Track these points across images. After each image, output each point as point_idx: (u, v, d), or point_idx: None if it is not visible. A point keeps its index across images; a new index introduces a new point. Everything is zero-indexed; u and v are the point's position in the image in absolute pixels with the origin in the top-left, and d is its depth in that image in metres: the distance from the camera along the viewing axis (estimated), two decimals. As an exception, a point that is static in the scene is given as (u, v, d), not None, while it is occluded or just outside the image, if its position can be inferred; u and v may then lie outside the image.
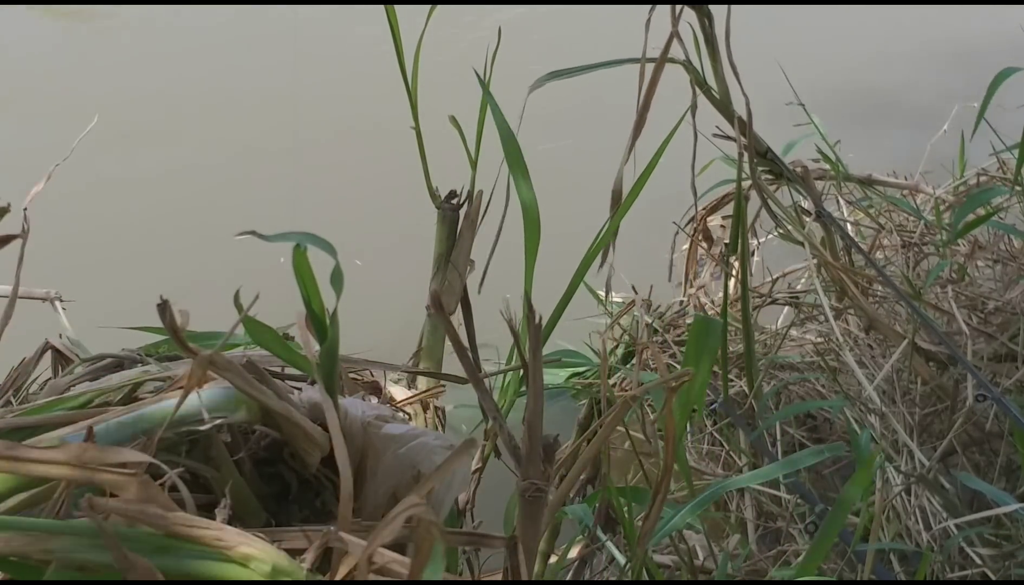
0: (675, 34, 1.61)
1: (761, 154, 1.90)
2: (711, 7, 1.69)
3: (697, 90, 1.72)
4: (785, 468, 1.44)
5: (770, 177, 1.98)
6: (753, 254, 2.38)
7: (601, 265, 1.57)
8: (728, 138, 1.84)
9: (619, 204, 1.55)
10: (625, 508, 1.33)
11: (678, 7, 1.62)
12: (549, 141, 2.96)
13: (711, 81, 1.74)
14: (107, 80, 3.87)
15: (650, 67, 1.61)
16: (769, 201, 1.91)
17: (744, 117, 1.76)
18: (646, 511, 1.08)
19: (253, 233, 0.85)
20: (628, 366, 2.27)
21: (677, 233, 2.39)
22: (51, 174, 1.32)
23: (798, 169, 2.03)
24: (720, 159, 2.13)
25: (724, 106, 1.77)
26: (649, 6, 1.62)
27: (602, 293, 2.36)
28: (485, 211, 1.57)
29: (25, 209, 1.29)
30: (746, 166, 1.77)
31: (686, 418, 1.51)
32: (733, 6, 1.67)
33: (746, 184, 1.80)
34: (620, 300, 2.45)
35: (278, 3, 4.28)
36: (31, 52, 4.09)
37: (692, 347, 1.34)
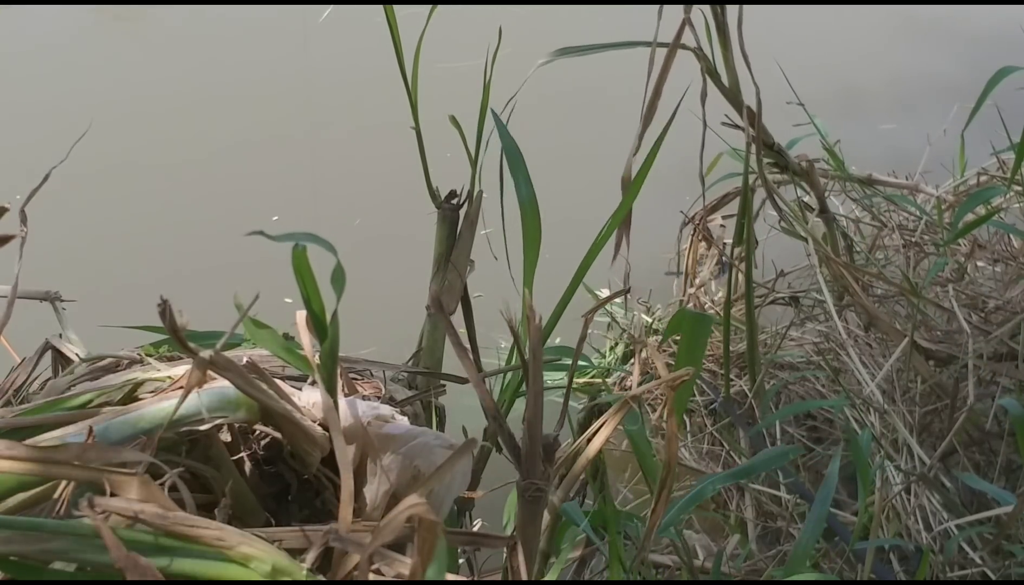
0: (687, 20, 1.57)
1: (768, 146, 1.88)
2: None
3: (707, 78, 1.68)
4: (766, 465, 1.42)
5: (775, 170, 1.97)
6: (753, 253, 2.38)
7: (614, 258, 1.55)
8: (736, 127, 1.81)
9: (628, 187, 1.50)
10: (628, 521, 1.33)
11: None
12: (548, 140, 2.96)
13: (721, 71, 1.71)
14: (108, 79, 3.88)
15: (661, 53, 1.56)
16: (774, 194, 1.90)
17: (753, 107, 1.74)
18: (652, 507, 1.08)
19: (261, 233, 0.85)
20: (628, 365, 2.27)
21: (680, 234, 2.39)
22: (48, 175, 1.31)
23: (803, 163, 2.02)
24: (727, 153, 2.12)
25: (734, 95, 1.73)
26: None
27: (601, 293, 2.36)
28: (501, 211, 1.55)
29: (23, 209, 1.28)
30: (752, 160, 1.75)
31: (682, 417, 1.51)
32: (735, 5, 1.66)
33: (752, 177, 1.79)
34: (619, 301, 2.45)
35: (276, 3, 4.28)
36: (30, 50, 4.09)
37: (685, 344, 1.33)
